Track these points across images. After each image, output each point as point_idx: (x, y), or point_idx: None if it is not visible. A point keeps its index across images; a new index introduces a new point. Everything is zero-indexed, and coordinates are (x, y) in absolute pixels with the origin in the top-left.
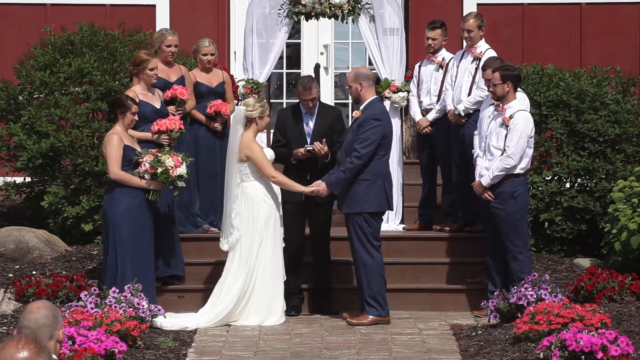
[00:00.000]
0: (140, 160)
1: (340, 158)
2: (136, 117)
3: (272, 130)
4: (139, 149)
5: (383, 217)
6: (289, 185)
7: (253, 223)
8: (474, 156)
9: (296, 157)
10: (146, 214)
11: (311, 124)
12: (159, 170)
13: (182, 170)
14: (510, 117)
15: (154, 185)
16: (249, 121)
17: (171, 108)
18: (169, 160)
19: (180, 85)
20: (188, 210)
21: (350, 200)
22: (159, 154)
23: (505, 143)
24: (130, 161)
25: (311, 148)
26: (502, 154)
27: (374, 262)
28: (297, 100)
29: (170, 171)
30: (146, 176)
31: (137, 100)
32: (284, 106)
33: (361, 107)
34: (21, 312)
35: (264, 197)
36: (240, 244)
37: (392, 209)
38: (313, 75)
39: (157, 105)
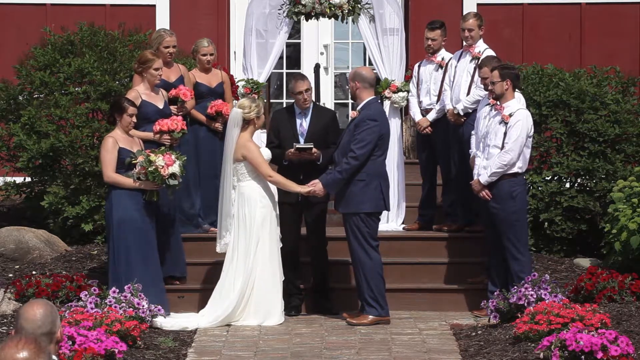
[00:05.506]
0: (134, 161)
1: (337, 158)
2: (134, 119)
3: (266, 130)
4: (140, 149)
5: (380, 217)
6: (285, 185)
7: (250, 224)
8: (472, 156)
9: (287, 158)
10: (145, 215)
11: (305, 124)
12: (149, 169)
13: (175, 168)
14: (510, 115)
15: (145, 185)
16: (246, 122)
17: (172, 108)
18: (159, 160)
19: (186, 87)
20: (188, 211)
21: (347, 201)
22: (150, 154)
23: (505, 140)
24: (124, 163)
25: (301, 146)
26: (500, 152)
27: (372, 262)
28: (294, 101)
29: (161, 170)
30: (141, 177)
31: (140, 101)
32: (284, 106)
33: (358, 108)
34: (18, 313)
35: (260, 197)
36: (237, 245)
37: (388, 210)
38: (313, 75)
39: (160, 105)
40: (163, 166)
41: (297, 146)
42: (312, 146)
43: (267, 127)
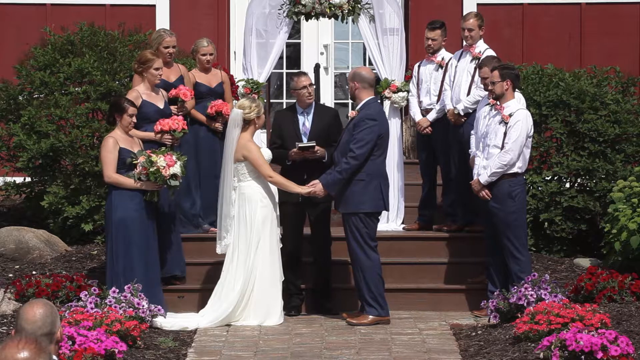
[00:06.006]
0: (135, 162)
1: (336, 158)
2: (134, 119)
3: (266, 130)
4: (140, 149)
5: (380, 217)
6: (285, 186)
7: (250, 224)
8: (472, 156)
9: (290, 158)
10: (145, 215)
11: (307, 123)
12: (151, 170)
13: (176, 169)
14: (510, 115)
15: (147, 185)
16: (246, 123)
17: (172, 108)
18: (160, 160)
19: (186, 87)
20: (189, 211)
21: (346, 201)
22: (152, 154)
23: (505, 140)
24: (124, 163)
25: (303, 145)
26: (500, 152)
27: (371, 262)
28: (295, 101)
29: (163, 170)
30: (142, 177)
31: (140, 101)
32: (284, 106)
33: (357, 108)
34: (18, 314)
35: (261, 197)
36: (237, 245)
37: (387, 210)
38: (313, 75)
39: (161, 105)
40: (164, 167)
41: (299, 145)
42: (314, 144)
43: (267, 127)
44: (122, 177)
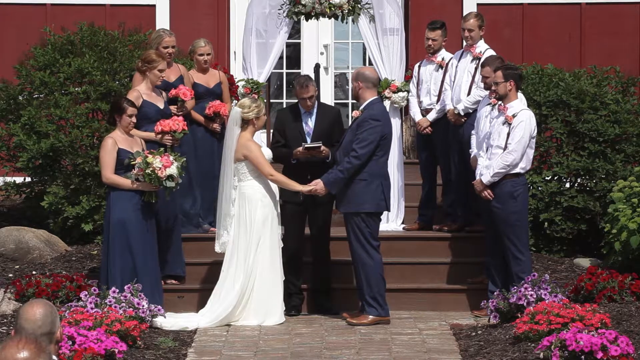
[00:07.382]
0: (133, 162)
1: (339, 157)
2: (134, 119)
3: (271, 131)
4: (141, 149)
5: (381, 217)
6: (286, 184)
7: (250, 223)
8: (472, 156)
9: (295, 157)
10: (143, 216)
11: (310, 123)
12: (147, 171)
13: (172, 170)
14: (514, 115)
15: (143, 186)
16: (245, 122)
17: (172, 108)
18: (156, 161)
19: (186, 87)
20: (189, 211)
21: (348, 200)
22: (149, 155)
23: (508, 140)
24: (123, 164)
25: (309, 145)
26: (503, 152)
27: (373, 262)
28: (296, 100)
29: (158, 172)
30: (139, 178)
31: (141, 101)
32: (284, 106)
33: (361, 107)
34: (18, 314)
35: (262, 196)
36: (237, 245)
37: (389, 210)
38: (313, 75)
39: (161, 105)
40: (160, 168)
41: (305, 145)
42: (320, 144)
43: (267, 127)
44: (120, 178)
